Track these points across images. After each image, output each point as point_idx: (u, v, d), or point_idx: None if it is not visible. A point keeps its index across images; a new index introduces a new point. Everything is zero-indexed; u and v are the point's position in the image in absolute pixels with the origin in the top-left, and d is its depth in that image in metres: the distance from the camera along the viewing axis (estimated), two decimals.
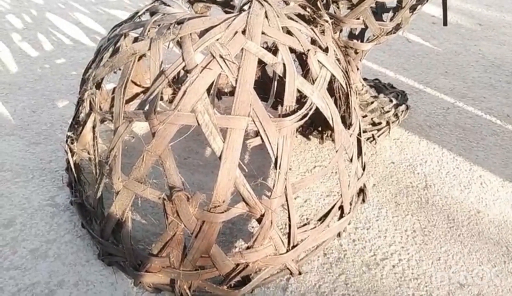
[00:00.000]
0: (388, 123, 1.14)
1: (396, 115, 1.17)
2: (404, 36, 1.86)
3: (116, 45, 0.79)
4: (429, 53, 1.72)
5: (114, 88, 0.87)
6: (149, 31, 0.75)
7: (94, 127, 0.76)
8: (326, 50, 0.78)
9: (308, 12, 0.85)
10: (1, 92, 1.29)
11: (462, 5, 2.27)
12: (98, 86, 0.80)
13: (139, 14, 0.84)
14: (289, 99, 0.69)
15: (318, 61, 0.74)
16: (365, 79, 1.34)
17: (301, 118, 0.69)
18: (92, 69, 0.82)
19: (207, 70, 0.67)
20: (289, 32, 0.75)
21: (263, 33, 0.71)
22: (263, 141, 0.66)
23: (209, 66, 0.68)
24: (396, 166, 1.10)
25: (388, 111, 1.16)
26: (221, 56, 0.68)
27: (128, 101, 1.12)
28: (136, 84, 1.14)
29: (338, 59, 0.84)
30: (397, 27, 0.96)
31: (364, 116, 1.14)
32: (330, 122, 0.73)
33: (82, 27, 1.70)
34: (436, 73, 1.58)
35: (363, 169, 0.89)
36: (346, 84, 0.79)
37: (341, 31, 0.97)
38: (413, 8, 0.99)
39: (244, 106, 0.66)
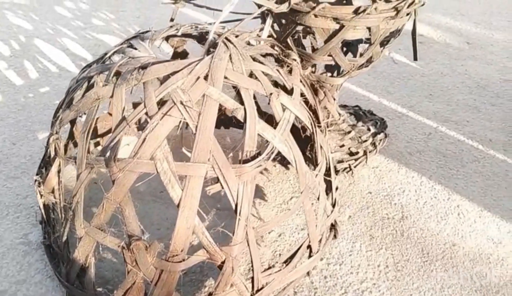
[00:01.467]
0: (365, 153, 1.14)
1: (373, 144, 1.17)
2: (391, 56, 1.86)
3: (83, 88, 0.79)
4: (414, 75, 1.72)
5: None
6: (114, 75, 0.76)
7: (59, 172, 0.77)
8: (291, 91, 0.79)
9: (277, 51, 0.86)
10: None
11: (451, 22, 2.27)
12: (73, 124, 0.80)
13: (108, 55, 0.85)
14: (250, 145, 0.69)
15: (282, 104, 0.74)
16: (345, 106, 1.35)
17: (263, 163, 0.69)
18: (61, 111, 0.83)
19: (168, 117, 0.68)
20: (253, 75, 0.76)
21: (225, 77, 0.72)
22: (222, 188, 0.67)
23: (169, 113, 0.68)
24: (373, 196, 1.10)
25: (365, 141, 1.16)
26: (182, 103, 0.68)
27: (106, 133, 1.12)
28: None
29: (305, 99, 0.84)
30: (369, 61, 0.96)
31: (341, 146, 1.15)
32: (293, 164, 0.73)
33: (69, 53, 1.72)
34: (421, 96, 1.58)
35: (334, 205, 0.89)
36: (311, 124, 0.80)
37: (314, 66, 0.98)
38: (386, 42, 0.99)
39: (203, 153, 0.66)
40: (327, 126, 1.12)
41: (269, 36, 0.94)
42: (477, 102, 1.55)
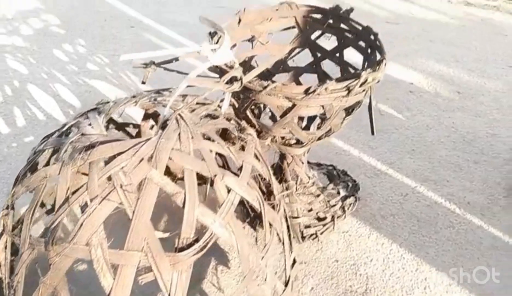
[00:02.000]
0: (333, 218, 1.13)
1: (343, 209, 1.16)
2: (378, 107, 1.85)
3: (36, 162, 0.81)
4: (399, 128, 1.71)
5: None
6: (65, 152, 0.77)
7: (6, 248, 0.77)
8: (240, 168, 0.79)
9: (233, 124, 0.87)
10: None
11: (444, 69, 2.26)
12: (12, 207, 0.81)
13: (67, 126, 0.87)
14: (187, 231, 0.69)
15: (226, 185, 0.74)
16: (319, 164, 1.34)
17: (200, 251, 0.69)
18: (18, 182, 0.84)
19: (106, 201, 0.68)
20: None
21: (170, 159, 0.73)
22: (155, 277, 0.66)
23: (109, 197, 0.69)
24: (339, 264, 1.08)
25: (334, 205, 1.15)
26: (121, 186, 0.69)
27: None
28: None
29: (258, 175, 0.84)
30: (328, 133, 0.96)
31: (309, 210, 1.13)
32: (235, 248, 0.73)
33: (59, 100, 1.76)
34: (403, 151, 1.56)
35: (286, 284, 0.87)
36: (260, 203, 0.79)
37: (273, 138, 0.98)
38: (350, 110, 1.00)
39: (138, 241, 0.66)
40: (295, 190, 1.12)
41: (231, 104, 0.95)
42: (460, 159, 1.53)
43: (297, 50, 1.12)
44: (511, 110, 1.85)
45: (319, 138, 0.95)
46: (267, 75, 1.14)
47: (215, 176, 0.74)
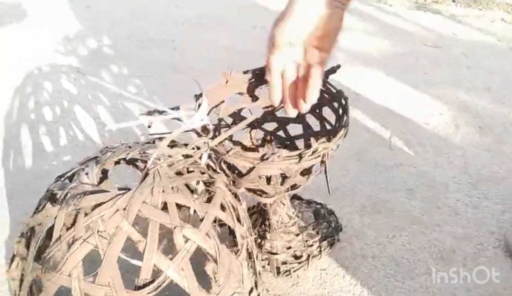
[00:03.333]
0: (308, 257, 1.24)
1: (319, 249, 1.26)
2: (390, 139, 1.90)
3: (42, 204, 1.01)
4: (404, 164, 1.75)
5: None
6: (65, 196, 0.96)
7: (17, 266, 0.99)
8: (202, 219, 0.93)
9: (205, 177, 1.01)
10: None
11: (472, 100, 2.22)
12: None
13: (73, 171, 1.07)
14: (145, 273, 0.85)
15: (184, 236, 0.89)
16: (309, 202, 1.44)
17: (154, 290, 0.84)
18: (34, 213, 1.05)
19: (86, 243, 0.86)
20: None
21: (139, 210, 0.89)
22: None
23: (88, 240, 0.87)
24: None
25: (311, 246, 1.25)
26: (98, 232, 0.87)
27: None
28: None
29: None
30: (294, 187, 1.07)
31: (288, 248, 1.25)
32: (187, 291, 0.88)
33: (98, 122, 2.00)
34: (401, 189, 1.61)
35: None
36: (216, 252, 0.93)
37: None
38: (309, 172, 1.10)
39: (105, 277, 0.84)
40: (275, 228, 1.24)
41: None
42: (460, 203, 1.55)
43: None
44: None
45: (288, 190, 1.07)
46: (256, 125, 1.27)
47: (175, 227, 0.89)
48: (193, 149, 0.96)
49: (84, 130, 1.94)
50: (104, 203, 0.90)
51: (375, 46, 2.80)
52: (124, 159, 1.06)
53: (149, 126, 1.28)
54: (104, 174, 1.29)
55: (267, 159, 0.91)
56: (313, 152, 0.92)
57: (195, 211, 0.94)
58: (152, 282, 0.85)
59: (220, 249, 0.94)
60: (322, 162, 1.00)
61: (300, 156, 0.92)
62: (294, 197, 1.44)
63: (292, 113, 0.98)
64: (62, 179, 1.07)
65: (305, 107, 0.93)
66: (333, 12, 0.84)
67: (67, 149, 1.82)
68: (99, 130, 1.94)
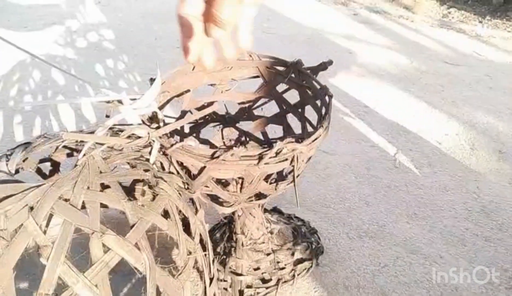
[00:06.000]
0: (278, 282, 1.04)
1: (293, 273, 1.06)
2: (395, 157, 1.70)
3: None
4: (410, 186, 1.54)
5: None
6: None
7: None
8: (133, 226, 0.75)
9: (147, 176, 0.84)
10: None
11: (492, 122, 2.00)
12: None
13: None
14: (45, 287, 0.67)
15: (103, 244, 0.71)
16: (290, 217, 1.25)
17: None
18: None
19: None
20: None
21: (52, 208, 0.72)
22: None
23: None
24: None
25: (283, 268, 1.06)
26: None
27: None
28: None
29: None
30: (261, 197, 0.89)
31: (256, 269, 1.06)
32: None
33: (78, 114, 1.86)
34: (402, 213, 1.40)
35: None
36: (146, 267, 0.75)
37: None
38: (280, 179, 0.91)
39: None
40: (243, 245, 1.05)
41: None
42: (469, 232, 1.33)
43: (263, 100, 1.06)
44: None
45: (251, 200, 0.88)
46: (230, 121, 1.09)
47: (93, 233, 0.71)
48: (129, 137, 0.79)
49: (61, 122, 1.79)
50: (12, 195, 0.74)
51: (393, 61, 2.61)
52: (66, 147, 0.90)
53: (107, 116, 1.13)
54: (55, 166, 1.13)
55: (218, 157, 0.73)
56: (277, 153, 0.74)
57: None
58: None
59: (152, 265, 0.75)
60: (292, 167, 0.81)
61: (260, 157, 0.74)
62: (274, 210, 1.25)
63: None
64: None
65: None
66: None
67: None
68: (77, 122, 1.80)
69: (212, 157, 0.74)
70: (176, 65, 0.99)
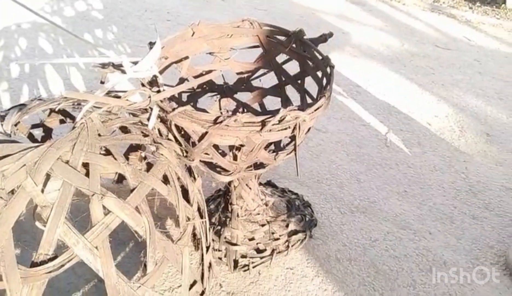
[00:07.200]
0: (273, 252, 1.05)
1: (287, 244, 1.07)
2: (386, 136, 1.71)
3: None
4: (400, 164, 1.56)
5: None
6: None
7: None
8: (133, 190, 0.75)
9: (147, 141, 0.82)
10: None
11: (481, 106, 2.02)
12: None
13: None
14: (45, 248, 0.66)
15: (103, 206, 0.70)
16: (284, 191, 1.26)
17: (55, 270, 0.66)
18: None
19: None
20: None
21: (51, 169, 0.70)
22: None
23: None
24: None
25: (277, 239, 1.07)
26: None
27: None
28: None
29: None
30: (260, 166, 0.88)
31: (251, 239, 1.07)
32: (100, 275, 0.69)
33: (67, 83, 1.82)
34: (393, 191, 1.42)
35: None
36: (146, 231, 0.74)
37: None
38: (278, 148, 0.91)
39: None
40: (238, 216, 1.05)
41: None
42: (457, 211, 1.36)
43: (262, 71, 1.05)
44: None
45: (250, 169, 0.88)
46: (227, 91, 1.08)
47: (93, 194, 0.70)
48: (128, 100, 0.77)
49: (49, 91, 1.75)
50: (10, 155, 0.72)
51: (385, 43, 2.61)
52: (57, 111, 0.88)
53: (101, 82, 1.10)
54: (47, 133, 1.11)
55: (221, 122, 0.72)
56: (280, 121, 0.73)
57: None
58: (53, 259, 0.67)
59: (152, 229, 0.75)
60: (293, 137, 0.81)
61: (263, 123, 0.73)
62: (268, 184, 1.26)
63: None
64: None
65: None
66: None
67: None
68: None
69: (215, 122, 0.73)
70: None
